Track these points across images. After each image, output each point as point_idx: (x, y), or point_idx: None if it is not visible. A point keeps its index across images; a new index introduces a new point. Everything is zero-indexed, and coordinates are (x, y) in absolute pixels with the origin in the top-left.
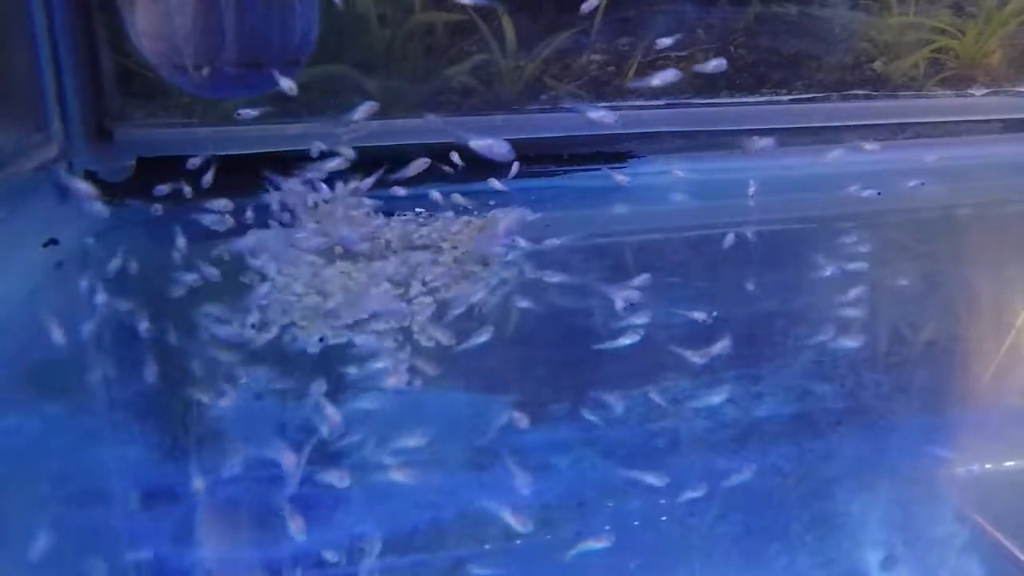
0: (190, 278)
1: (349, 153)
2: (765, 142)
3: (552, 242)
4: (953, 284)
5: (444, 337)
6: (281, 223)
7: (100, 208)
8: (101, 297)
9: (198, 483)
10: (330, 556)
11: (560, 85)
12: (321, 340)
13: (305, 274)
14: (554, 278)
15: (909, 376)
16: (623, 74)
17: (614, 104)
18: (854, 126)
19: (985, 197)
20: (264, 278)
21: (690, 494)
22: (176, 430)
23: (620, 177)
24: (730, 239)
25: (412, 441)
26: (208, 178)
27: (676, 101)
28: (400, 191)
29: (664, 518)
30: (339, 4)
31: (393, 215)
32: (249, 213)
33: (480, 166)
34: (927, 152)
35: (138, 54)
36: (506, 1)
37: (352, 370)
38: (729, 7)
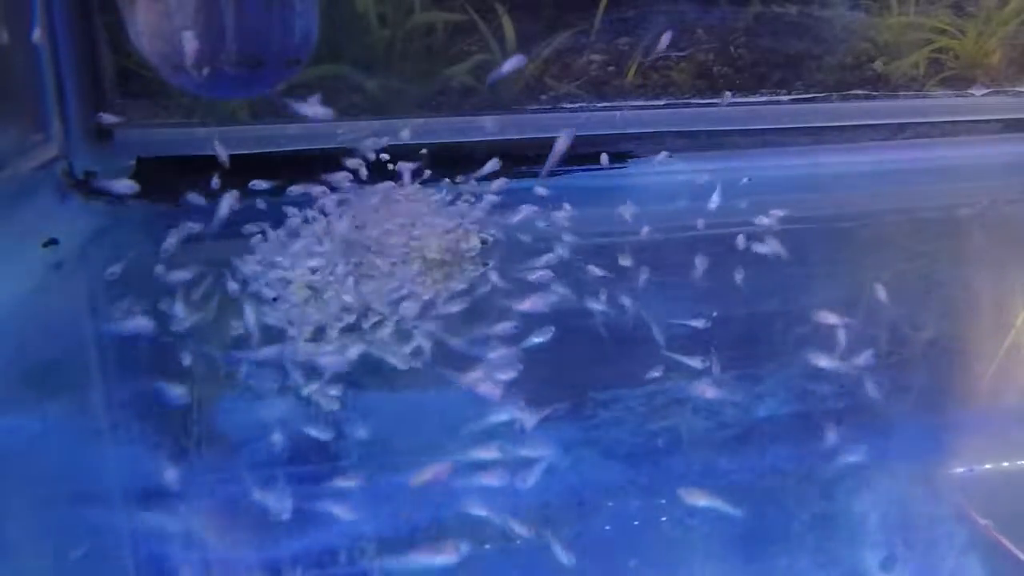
0: (190, 278)
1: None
2: None
3: (552, 241)
4: (953, 284)
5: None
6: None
7: (101, 208)
8: (100, 297)
9: (199, 483)
10: (330, 556)
11: (560, 85)
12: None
13: (303, 272)
14: (554, 278)
15: (909, 376)
16: (623, 74)
17: (614, 104)
18: (854, 126)
19: (985, 197)
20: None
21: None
22: (176, 430)
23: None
24: (730, 239)
25: (412, 440)
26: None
27: (676, 101)
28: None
29: (664, 518)
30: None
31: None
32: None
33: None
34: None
35: (138, 54)
36: (506, 1)
37: (352, 368)
38: (729, 7)
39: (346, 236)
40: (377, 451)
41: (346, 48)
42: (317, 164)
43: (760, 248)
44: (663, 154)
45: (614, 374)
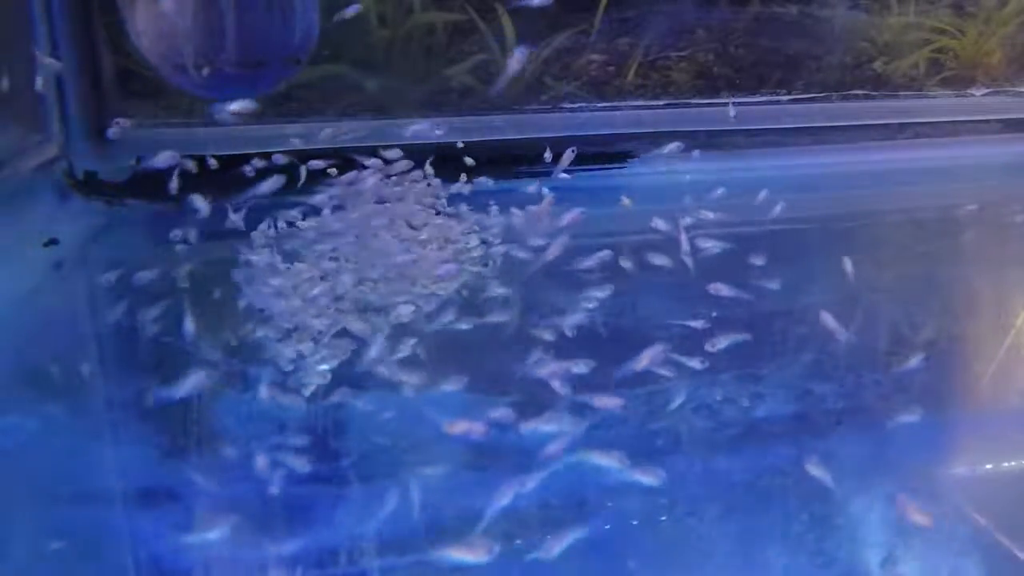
0: (190, 278)
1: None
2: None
3: (551, 241)
4: (953, 284)
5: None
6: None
7: (101, 208)
8: (100, 297)
9: (198, 483)
10: (330, 556)
11: (560, 85)
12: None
13: (302, 272)
14: (555, 277)
15: (909, 376)
16: (623, 74)
17: (614, 104)
18: (854, 126)
19: (985, 197)
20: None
21: (690, 494)
22: (176, 430)
23: None
24: (730, 239)
25: (412, 441)
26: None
27: (676, 101)
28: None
29: (664, 518)
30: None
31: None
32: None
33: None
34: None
35: (138, 54)
36: (506, 1)
37: (352, 368)
38: (729, 7)
39: (346, 236)
40: (377, 451)
41: (346, 48)
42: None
43: (759, 247)
44: (675, 144)
45: (614, 374)
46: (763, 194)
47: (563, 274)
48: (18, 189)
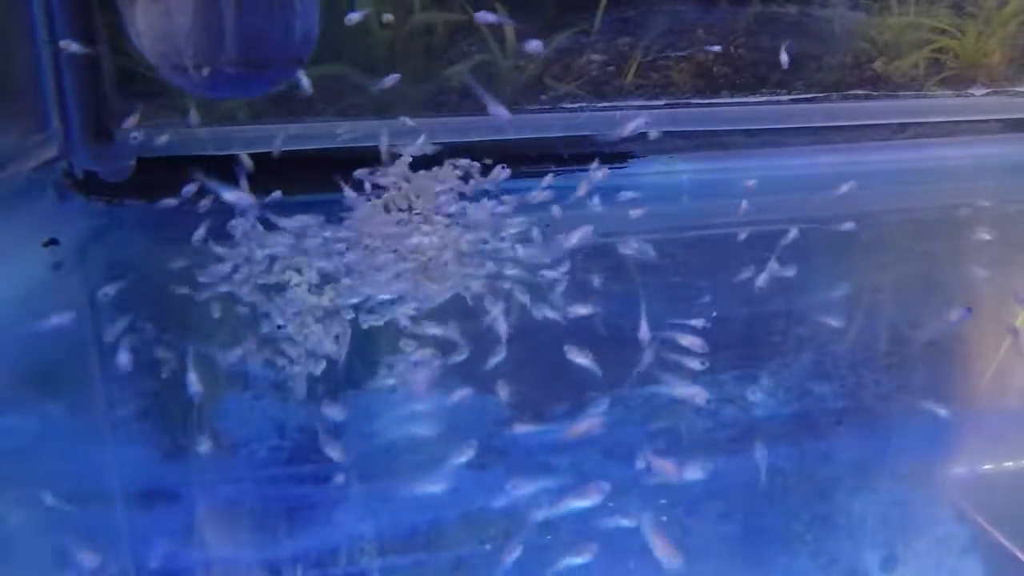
0: (190, 278)
1: None
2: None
3: (552, 241)
4: (953, 284)
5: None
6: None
7: (101, 208)
8: (100, 297)
9: (198, 483)
10: (330, 556)
11: (560, 85)
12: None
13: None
14: (555, 278)
15: (909, 376)
16: (623, 74)
17: (614, 104)
18: (854, 126)
19: (985, 197)
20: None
21: (690, 493)
22: (176, 430)
23: None
24: (730, 239)
25: (411, 440)
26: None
27: (676, 101)
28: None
29: (664, 518)
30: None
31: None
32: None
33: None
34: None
35: (138, 54)
36: (506, 1)
37: (353, 368)
38: (729, 7)
39: (344, 236)
40: (376, 451)
41: (346, 48)
42: (317, 164)
43: (758, 247)
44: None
45: (614, 374)
46: (763, 194)
47: (564, 273)
48: (18, 189)
